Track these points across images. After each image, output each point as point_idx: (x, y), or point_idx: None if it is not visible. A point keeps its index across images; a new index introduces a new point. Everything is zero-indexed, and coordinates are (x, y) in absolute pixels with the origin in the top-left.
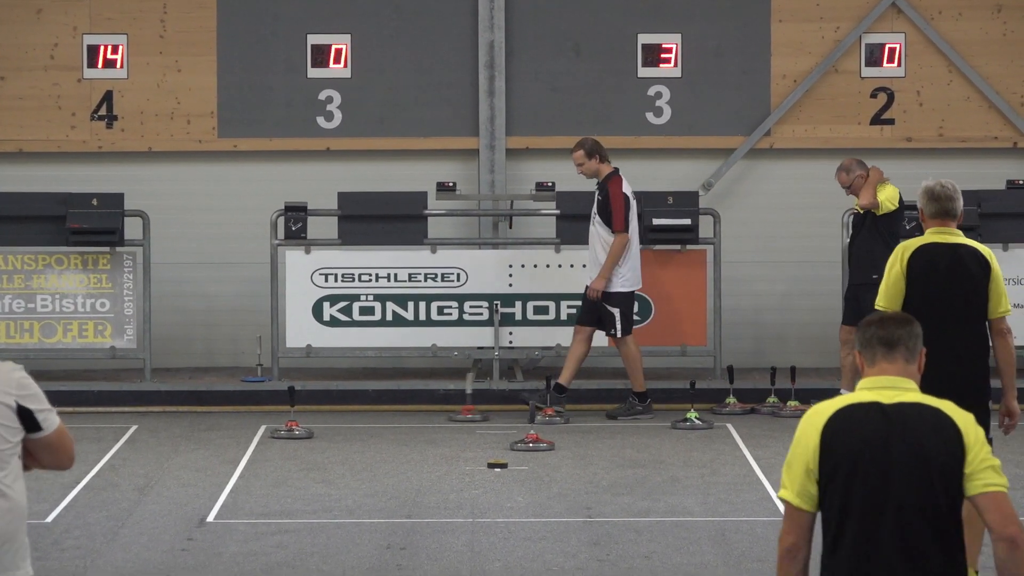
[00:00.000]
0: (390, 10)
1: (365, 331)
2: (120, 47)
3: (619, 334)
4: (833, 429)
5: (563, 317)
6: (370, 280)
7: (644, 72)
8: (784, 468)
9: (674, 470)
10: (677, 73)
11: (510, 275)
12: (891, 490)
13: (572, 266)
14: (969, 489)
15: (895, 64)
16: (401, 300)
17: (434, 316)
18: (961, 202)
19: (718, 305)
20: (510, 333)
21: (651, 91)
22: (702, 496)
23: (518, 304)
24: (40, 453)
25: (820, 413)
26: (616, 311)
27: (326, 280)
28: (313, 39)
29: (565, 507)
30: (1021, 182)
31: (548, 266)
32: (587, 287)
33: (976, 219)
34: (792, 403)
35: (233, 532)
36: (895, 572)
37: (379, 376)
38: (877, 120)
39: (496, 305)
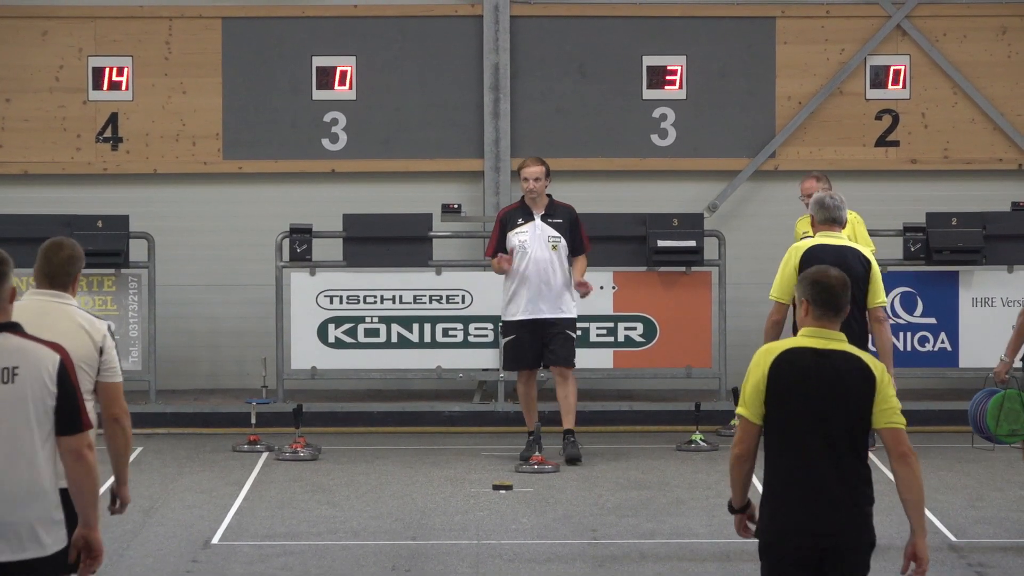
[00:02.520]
0: (395, 32)
1: (370, 353)
2: (125, 69)
3: (575, 363)
4: (780, 364)
5: None
6: (375, 302)
7: (649, 94)
8: (741, 393)
9: (679, 492)
10: (682, 95)
11: None
12: (821, 412)
13: None
14: (876, 422)
15: (900, 86)
16: (406, 322)
17: (439, 338)
18: (846, 212)
19: (723, 327)
20: None
21: (656, 113)
22: (707, 518)
23: None
24: (99, 393)
25: (771, 351)
26: (575, 336)
27: (331, 302)
28: (318, 61)
29: (570, 529)
30: None
31: None
32: (519, 320)
33: (981, 241)
34: None
35: (238, 554)
36: (821, 471)
37: (384, 398)
38: (882, 142)
39: (501, 327)
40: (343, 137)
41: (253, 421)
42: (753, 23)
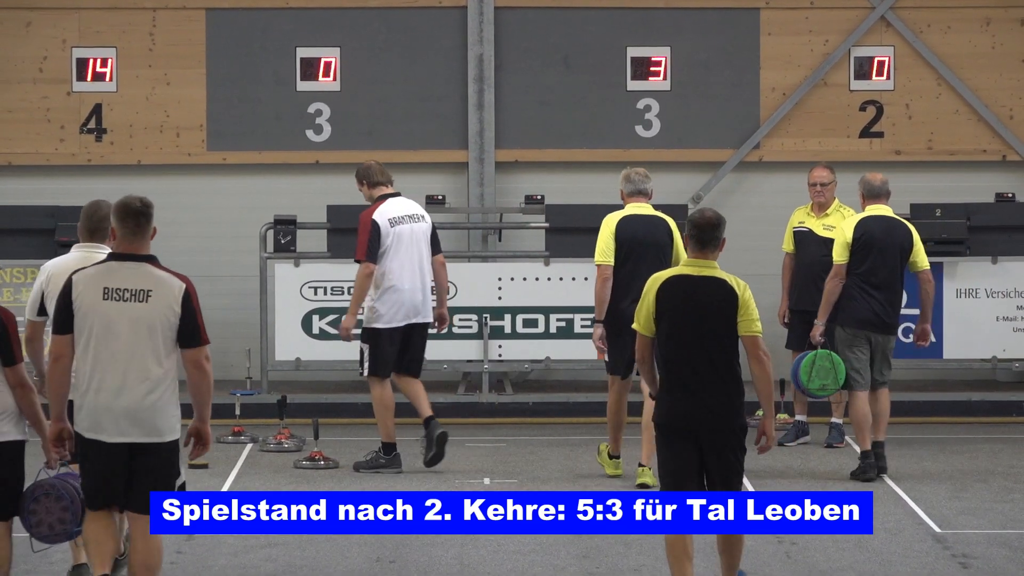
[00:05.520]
0: (379, 23)
1: (354, 344)
2: (109, 60)
3: (364, 372)
4: (665, 288)
5: (552, 330)
6: None
7: (633, 85)
8: (636, 313)
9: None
10: (666, 86)
11: (499, 288)
12: (696, 325)
13: (561, 279)
14: (740, 330)
15: (884, 77)
16: None
17: None
18: (650, 184)
19: None
20: (499, 346)
21: (640, 104)
22: None
23: (507, 317)
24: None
25: (659, 279)
26: (366, 347)
27: (315, 293)
28: (302, 52)
29: None
30: (1010, 195)
31: (537, 279)
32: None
33: (965, 232)
34: (781, 416)
35: (222, 545)
36: (699, 368)
37: (369, 389)
38: (866, 133)
39: (485, 318)
40: (327, 128)
41: (237, 412)
42: (737, 14)
